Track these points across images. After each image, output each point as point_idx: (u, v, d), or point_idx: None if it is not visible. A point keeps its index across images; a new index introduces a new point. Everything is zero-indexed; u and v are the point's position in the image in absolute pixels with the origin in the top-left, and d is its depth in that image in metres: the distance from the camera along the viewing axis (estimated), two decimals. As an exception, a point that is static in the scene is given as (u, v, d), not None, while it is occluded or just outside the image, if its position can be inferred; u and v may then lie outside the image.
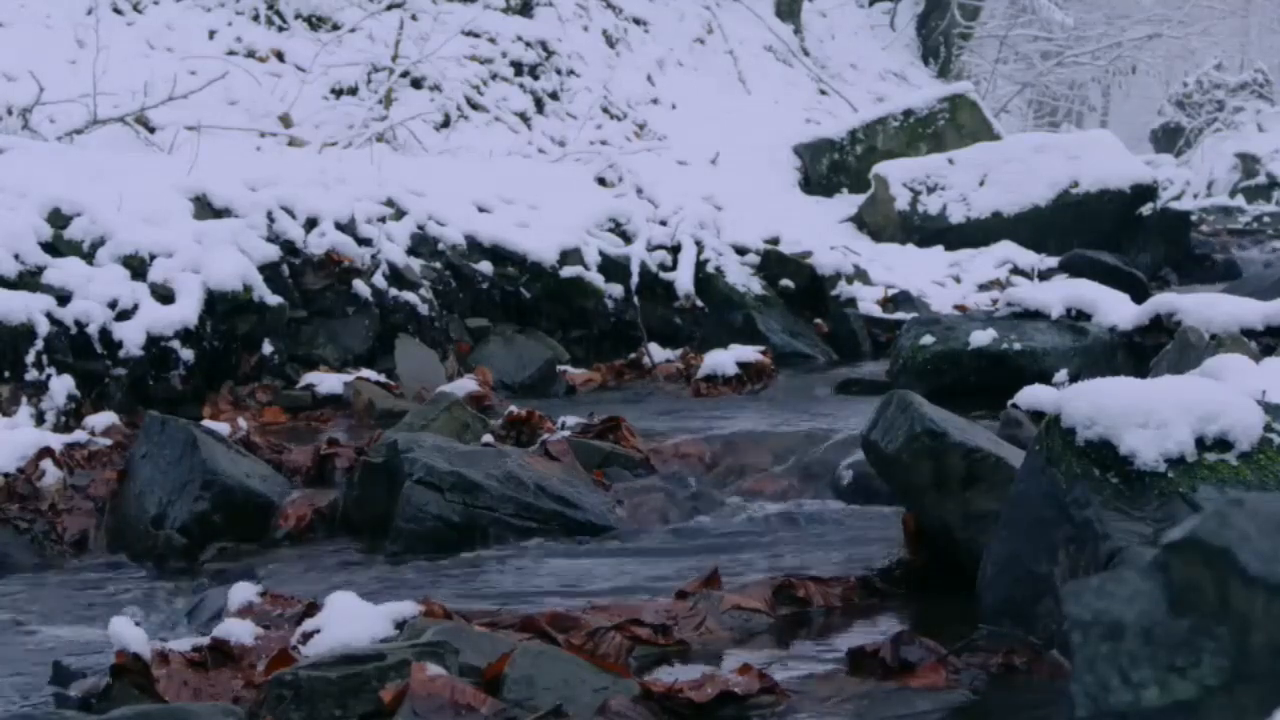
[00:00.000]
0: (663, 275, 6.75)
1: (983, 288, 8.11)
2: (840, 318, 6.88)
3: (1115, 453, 2.25)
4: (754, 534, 3.45)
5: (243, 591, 2.73)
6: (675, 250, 6.84)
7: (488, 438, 4.05)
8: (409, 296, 5.80)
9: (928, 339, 5.23)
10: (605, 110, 10.76)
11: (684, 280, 6.73)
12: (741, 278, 6.90)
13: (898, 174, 10.00)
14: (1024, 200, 9.61)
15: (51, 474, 3.84)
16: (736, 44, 13.65)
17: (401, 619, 2.44)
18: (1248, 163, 17.40)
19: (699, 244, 6.91)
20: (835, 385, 5.76)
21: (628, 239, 6.79)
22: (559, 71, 10.79)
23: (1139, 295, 5.82)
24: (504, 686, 2.08)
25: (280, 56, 9.15)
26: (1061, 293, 5.39)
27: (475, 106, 9.64)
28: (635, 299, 6.54)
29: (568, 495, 3.59)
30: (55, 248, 4.91)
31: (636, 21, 13.00)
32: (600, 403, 5.30)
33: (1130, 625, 1.17)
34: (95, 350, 4.75)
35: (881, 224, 9.87)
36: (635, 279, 6.59)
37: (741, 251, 7.10)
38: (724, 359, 5.76)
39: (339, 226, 5.72)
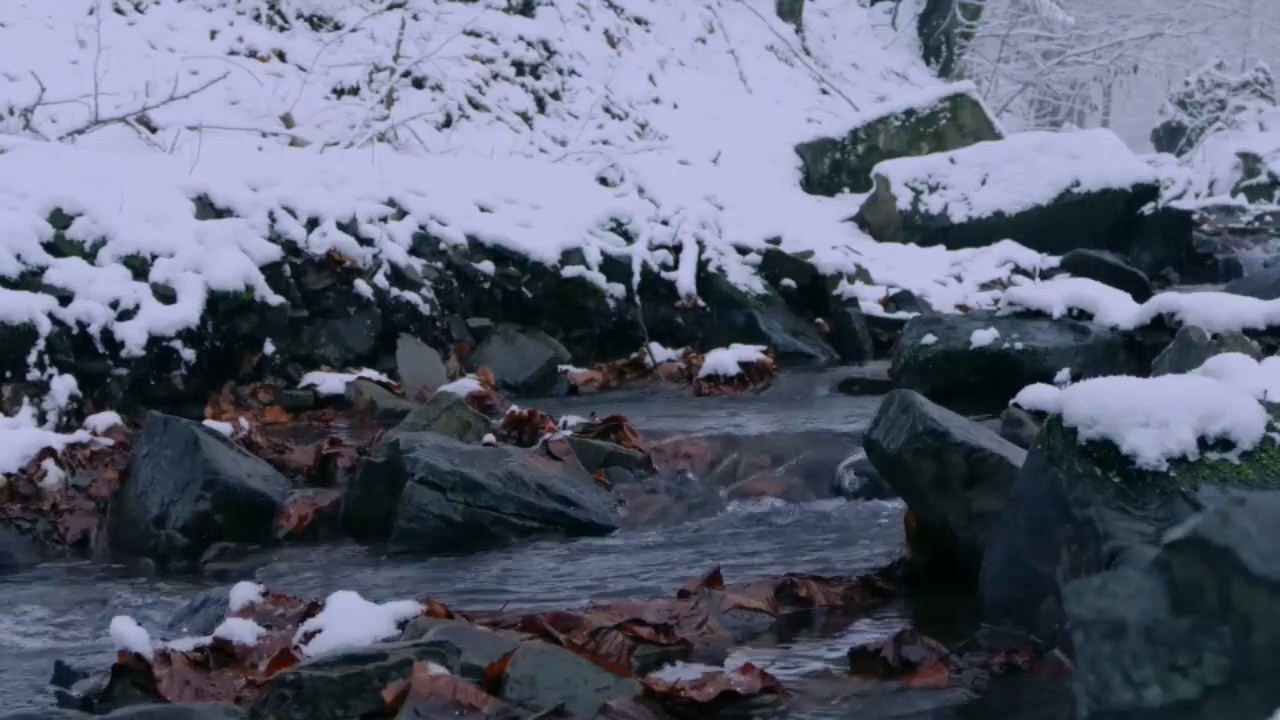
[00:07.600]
0: (664, 275, 6.74)
1: (984, 287, 8.11)
2: (842, 317, 6.88)
3: (1117, 452, 2.24)
4: (755, 533, 3.45)
5: (244, 591, 2.73)
6: (677, 250, 6.84)
7: (489, 437, 4.05)
8: (410, 296, 5.80)
9: (929, 338, 5.23)
10: (607, 110, 10.76)
11: (685, 280, 6.73)
12: (743, 277, 6.90)
13: (899, 173, 10.00)
14: (1025, 199, 9.61)
15: (53, 474, 3.85)
16: (738, 43, 13.65)
17: (403, 618, 2.43)
18: (1249, 162, 17.35)
19: (700, 243, 6.91)
20: (837, 385, 5.77)
21: (629, 239, 6.79)
22: (560, 71, 10.79)
23: (1140, 294, 5.82)
24: (506, 686, 2.08)
25: (282, 56, 9.15)
26: (1063, 292, 5.39)
27: (477, 106, 9.64)
28: (637, 298, 6.53)
29: (569, 495, 3.59)
30: (57, 248, 4.91)
31: (638, 21, 13.00)
32: (602, 402, 5.30)
33: (1132, 624, 1.17)
34: (97, 350, 4.75)
35: (883, 223, 9.87)
36: (637, 278, 6.59)
37: (743, 251, 7.10)
38: (725, 358, 5.76)
39: (340, 226, 5.72)
